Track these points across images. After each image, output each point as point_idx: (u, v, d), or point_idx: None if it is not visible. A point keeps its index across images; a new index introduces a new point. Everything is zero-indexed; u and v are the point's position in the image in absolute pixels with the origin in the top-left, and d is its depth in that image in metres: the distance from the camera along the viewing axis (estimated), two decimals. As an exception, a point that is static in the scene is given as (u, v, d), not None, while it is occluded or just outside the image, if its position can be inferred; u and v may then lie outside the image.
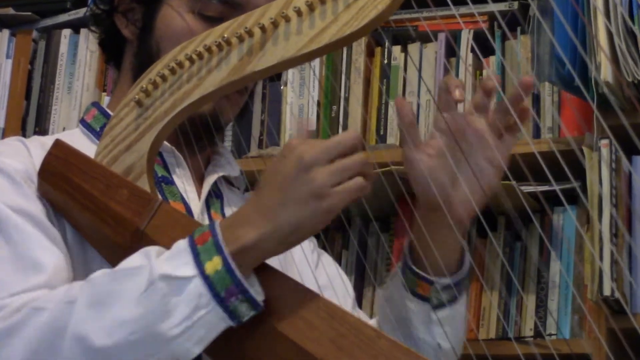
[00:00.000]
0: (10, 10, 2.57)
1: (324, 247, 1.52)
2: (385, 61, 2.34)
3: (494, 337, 2.13)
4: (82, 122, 1.41)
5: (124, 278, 1.12)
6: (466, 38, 2.26)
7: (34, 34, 2.58)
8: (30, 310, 1.12)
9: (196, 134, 1.34)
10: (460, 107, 1.28)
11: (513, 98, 1.25)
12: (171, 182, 1.35)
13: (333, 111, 2.34)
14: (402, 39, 2.35)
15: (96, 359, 1.09)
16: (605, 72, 1.99)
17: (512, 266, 2.17)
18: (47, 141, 1.30)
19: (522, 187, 1.99)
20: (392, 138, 2.29)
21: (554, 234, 2.14)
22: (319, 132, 2.33)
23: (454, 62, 2.30)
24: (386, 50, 2.34)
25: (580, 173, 2.01)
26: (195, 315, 1.08)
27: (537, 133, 2.21)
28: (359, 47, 2.34)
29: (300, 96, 2.37)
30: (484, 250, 2.17)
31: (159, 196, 1.27)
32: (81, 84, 2.51)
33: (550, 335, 2.10)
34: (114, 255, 1.19)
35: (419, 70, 2.31)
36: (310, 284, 1.18)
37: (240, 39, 1.21)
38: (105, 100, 2.42)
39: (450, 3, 1.24)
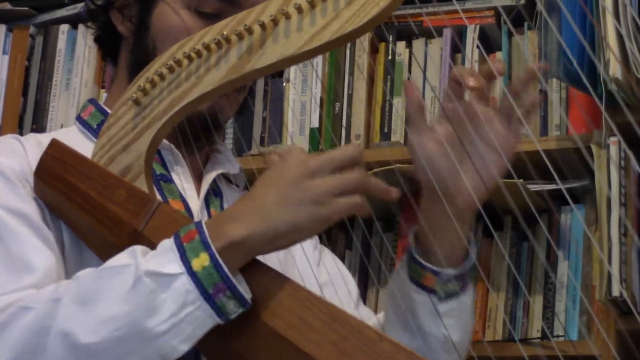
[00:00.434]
0: (7, 5, 2.56)
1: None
2: (390, 57, 2.31)
3: (500, 339, 2.12)
4: (79, 119, 1.41)
5: (110, 276, 1.11)
6: (472, 34, 2.24)
7: (31, 29, 2.57)
8: (16, 309, 1.12)
9: (194, 133, 1.34)
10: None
11: (520, 83, 1.24)
12: (170, 180, 1.34)
13: (336, 109, 2.32)
14: (406, 34, 2.33)
15: (82, 355, 1.09)
16: (613, 69, 1.97)
17: (519, 267, 2.16)
18: (44, 139, 1.30)
19: (529, 186, 1.98)
20: (396, 136, 2.27)
21: (562, 233, 2.13)
22: (321, 131, 2.31)
23: (459, 59, 2.29)
24: (390, 47, 2.31)
25: (588, 171, 2.00)
26: (182, 312, 1.08)
27: (544, 130, 2.18)
28: (362, 44, 2.32)
29: (302, 93, 2.34)
30: (490, 250, 2.16)
31: (158, 196, 1.27)
32: (79, 80, 2.50)
33: (557, 337, 2.09)
34: (110, 256, 1.17)
35: (424, 67, 2.29)
36: (312, 285, 1.19)
37: (240, 37, 1.21)
38: (103, 97, 2.40)
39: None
